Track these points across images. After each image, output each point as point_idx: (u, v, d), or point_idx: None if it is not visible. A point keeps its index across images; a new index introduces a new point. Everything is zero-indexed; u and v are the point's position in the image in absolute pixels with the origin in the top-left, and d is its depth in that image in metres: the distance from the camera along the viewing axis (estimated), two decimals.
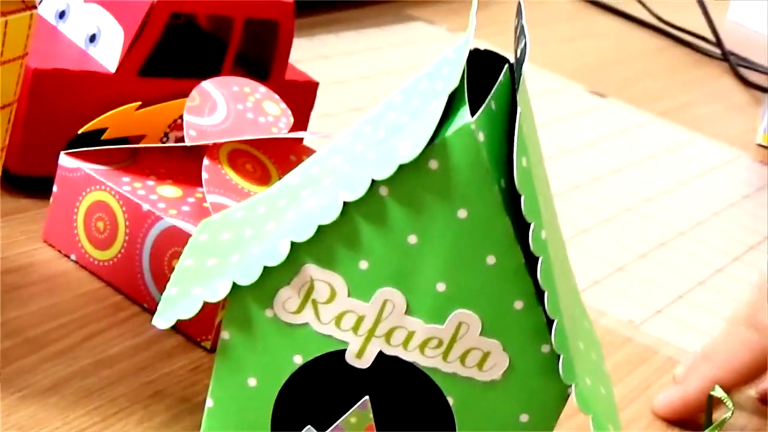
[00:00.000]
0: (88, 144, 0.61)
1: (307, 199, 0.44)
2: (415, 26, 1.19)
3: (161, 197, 0.58)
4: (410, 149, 0.41)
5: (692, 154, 1.10)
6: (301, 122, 0.72)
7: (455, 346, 0.43)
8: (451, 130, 0.41)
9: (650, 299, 0.78)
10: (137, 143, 0.63)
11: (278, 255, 0.43)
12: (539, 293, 0.42)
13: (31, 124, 0.62)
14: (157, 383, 0.52)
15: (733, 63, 1.44)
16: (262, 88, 0.64)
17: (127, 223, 0.57)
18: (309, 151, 0.64)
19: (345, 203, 0.42)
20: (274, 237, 0.44)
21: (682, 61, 1.43)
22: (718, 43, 1.47)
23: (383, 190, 0.42)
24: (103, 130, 0.62)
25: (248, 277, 0.43)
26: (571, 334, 0.44)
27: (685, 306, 0.78)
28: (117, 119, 0.62)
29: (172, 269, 0.48)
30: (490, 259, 0.42)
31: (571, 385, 0.43)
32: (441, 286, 0.43)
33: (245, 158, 0.60)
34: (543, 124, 1.01)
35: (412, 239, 0.42)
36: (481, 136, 0.41)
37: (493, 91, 0.43)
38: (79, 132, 0.61)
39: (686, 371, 0.63)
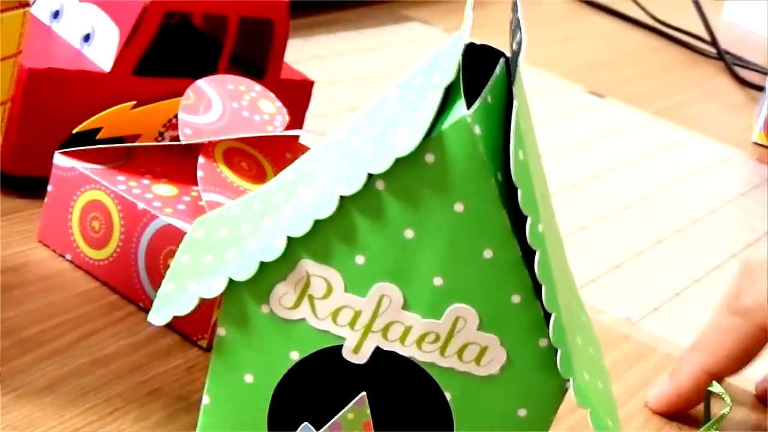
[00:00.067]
0: (83, 144, 0.61)
1: (304, 195, 0.44)
2: (411, 27, 1.19)
3: (156, 196, 0.58)
4: (406, 143, 0.41)
5: (689, 153, 1.10)
6: (296, 121, 0.72)
7: (452, 341, 0.43)
8: (447, 124, 0.41)
9: (648, 297, 0.78)
10: (132, 143, 0.63)
11: (274, 250, 0.43)
12: (537, 287, 0.42)
13: (25, 124, 0.61)
14: (152, 382, 0.52)
15: (729, 62, 1.44)
16: (258, 87, 0.64)
17: (122, 222, 0.57)
18: (305, 149, 0.64)
19: (341, 198, 0.42)
20: (270, 232, 0.43)
21: (677, 60, 1.44)
22: (714, 43, 1.47)
23: (380, 185, 0.42)
24: (97, 130, 0.62)
25: (244, 272, 0.43)
26: (569, 329, 0.43)
27: (682, 303, 0.78)
28: (112, 119, 0.62)
29: (167, 268, 0.48)
30: (487, 253, 0.42)
31: (569, 380, 0.43)
32: (438, 281, 0.42)
33: (241, 156, 0.60)
34: (539, 123, 1.00)
35: (409, 233, 0.42)
36: (477, 129, 0.41)
37: (489, 84, 0.43)
38: (74, 132, 0.61)
39: (676, 364, 0.63)
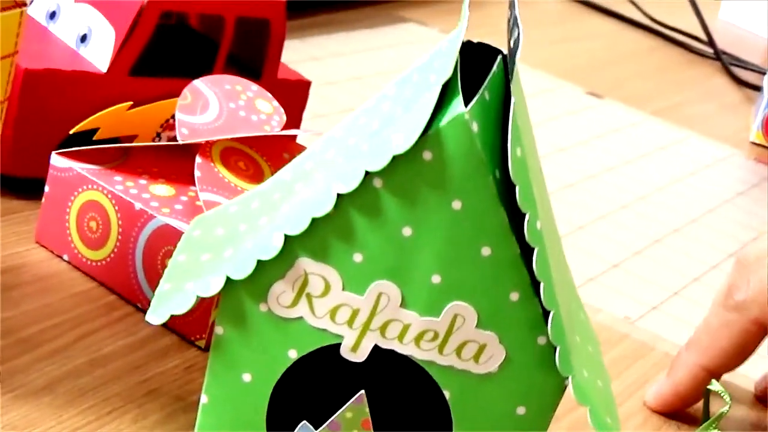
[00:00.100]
0: (80, 144, 0.61)
1: (301, 193, 0.44)
2: (407, 27, 1.19)
3: (154, 196, 0.58)
4: (404, 140, 0.41)
5: (686, 152, 1.10)
6: (293, 121, 0.72)
7: (451, 339, 0.43)
8: (444, 121, 0.41)
9: (646, 296, 0.77)
10: (129, 143, 0.63)
11: (272, 248, 0.43)
12: (535, 284, 0.42)
13: (22, 124, 0.61)
14: (151, 382, 0.52)
15: (726, 62, 1.44)
16: (254, 86, 0.64)
17: (120, 222, 0.57)
18: (302, 149, 0.64)
19: (339, 195, 0.42)
20: (267, 231, 0.43)
21: (674, 60, 1.44)
22: (711, 43, 1.47)
23: (377, 182, 0.42)
24: (94, 131, 0.61)
25: (242, 271, 0.43)
26: (568, 326, 0.43)
27: (680, 302, 0.78)
28: (108, 119, 0.61)
29: (165, 268, 0.47)
30: (486, 251, 0.42)
31: (567, 377, 0.43)
32: (436, 278, 0.42)
33: (238, 156, 0.59)
34: (537, 124, 1.01)
35: (407, 231, 0.42)
36: (475, 126, 0.41)
37: (486, 81, 0.43)
38: (71, 132, 0.61)
39: (672, 362, 0.63)
